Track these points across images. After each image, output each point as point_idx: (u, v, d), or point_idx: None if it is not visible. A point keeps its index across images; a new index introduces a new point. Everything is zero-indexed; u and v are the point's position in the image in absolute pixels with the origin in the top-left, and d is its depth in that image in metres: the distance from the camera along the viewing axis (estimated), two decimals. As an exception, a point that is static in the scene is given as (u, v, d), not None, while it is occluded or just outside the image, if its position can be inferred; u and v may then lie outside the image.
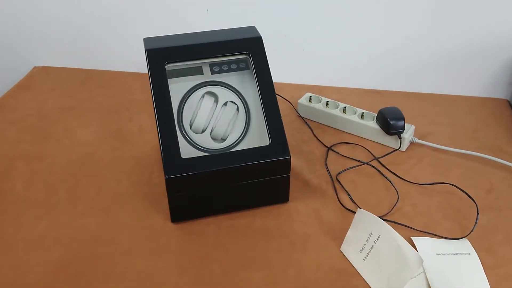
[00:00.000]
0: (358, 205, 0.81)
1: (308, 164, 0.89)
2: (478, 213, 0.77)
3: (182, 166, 0.73)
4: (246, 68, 0.82)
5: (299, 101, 1.01)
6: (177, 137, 0.74)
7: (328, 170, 0.88)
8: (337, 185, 0.85)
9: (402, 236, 0.72)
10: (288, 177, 0.78)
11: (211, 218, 0.78)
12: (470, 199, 0.80)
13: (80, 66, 1.18)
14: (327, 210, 0.80)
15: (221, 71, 0.82)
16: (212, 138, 0.78)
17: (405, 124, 0.91)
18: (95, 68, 1.18)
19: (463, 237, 0.75)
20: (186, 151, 0.75)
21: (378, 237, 0.69)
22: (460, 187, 0.82)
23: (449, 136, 0.96)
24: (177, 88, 0.79)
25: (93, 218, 0.78)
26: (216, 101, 0.80)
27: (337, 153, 0.92)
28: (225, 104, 0.80)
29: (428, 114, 1.02)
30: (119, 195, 0.82)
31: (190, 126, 0.78)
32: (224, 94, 0.80)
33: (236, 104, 0.80)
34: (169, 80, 0.78)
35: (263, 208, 0.80)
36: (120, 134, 0.97)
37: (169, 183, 0.73)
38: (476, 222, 0.76)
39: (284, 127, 0.91)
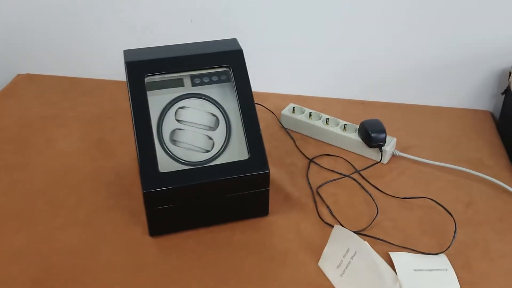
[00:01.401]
0: (338, 219, 0.81)
1: (289, 176, 0.90)
2: (456, 229, 0.77)
3: (160, 180, 0.73)
4: (228, 80, 0.82)
5: (282, 112, 1.01)
6: (155, 150, 0.74)
7: (309, 182, 0.88)
8: (317, 198, 0.85)
9: (380, 251, 0.73)
10: (268, 191, 0.78)
11: (191, 232, 0.78)
12: (449, 214, 0.80)
13: (65, 73, 1.17)
14: (306, 224, 0.80)
15: (202, 83, 0.82)
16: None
17: (387, 136, 0.92)
18: (79, 76, 1.17)
19: (441, 253, 0.75)
20: (165, 164, 0.75)
21: (355, 253, 0.69)
22: (438, 202, 0.82)
23: (431, 148, 0.96)
24: (157, 100, 0.79)
25: (72, 230, 0.78)
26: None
27: (319, 165, 0.92)
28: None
29: (411, 126, 1.02)
30: (99, 207, 0.82)
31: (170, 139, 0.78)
32: (204, 106, 0.80)
33: (215, 116, 0.80)
34: (149, 93, 0.78)
35: (243, 222, 0.80)
36: (102, 144, 0.96)
37: (147, 197, 0.73)
38: (453, 238, 0.76)
39: (267, 138, 0.92)
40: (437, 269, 0.72)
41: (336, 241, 0.71)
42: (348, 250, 0.70)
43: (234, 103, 0.81)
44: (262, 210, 0.81)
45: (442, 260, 0.74)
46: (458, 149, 0.96)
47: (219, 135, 0.79)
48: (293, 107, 1.01)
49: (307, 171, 0.91)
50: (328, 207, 0.83)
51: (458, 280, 0.71)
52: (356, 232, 0.78)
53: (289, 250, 0.76)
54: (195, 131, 0.79)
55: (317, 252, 0.75)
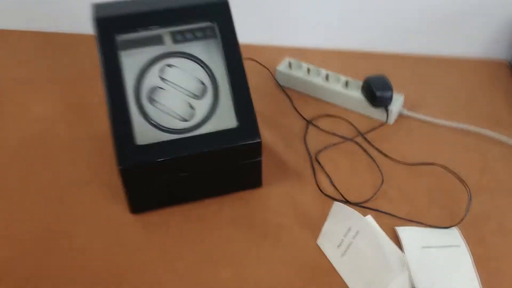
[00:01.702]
0: (339, 189, 0.73)
1: (285, 141, 0.81)
2: (470, 199, 0.70)
3: (138, 153, 0.65)
4: (214, 36, 0.72)
5: (278, 68, 0.91)
6: (130, 120, 0.66)
7: (307, 148, 0.80)
8: (316, 165, 0.77)
9: (386, 226, 0.66)
10: (260, 162, 0.71)
11: (176, 208, 0.71)
12: (462, 183, 0.72)
13: (38, 28, 1.07)
14: (304, 196, 0.73)
15: (184, 40, 0.72)
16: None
17: (393, 94, 0.82)
18: (55, 31, 1.07)
19: (453, 226, 0.68)
20: (145, 132, 0.67)
21: (357, 233, 0.62)
22: (450, 169, 0.74)
23: (442, 105, 0.87)
24: (133, 60, 0.70)
25: (45, 209, 0.71)
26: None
27: (318, 127, 0.83)
28: None
29: (419, 80, 0.93)
30: (75, 181, 0.74)
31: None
32: (188, 66, 0.71)
33: (203, 84, 0.71)
34: (123, 53, 0.69)
35: (234, 195, 0.72)
36: (80, 108, 0.87)
37: (124, 173, 0.65)
38: (467, 210, 0.69)
39: (260, 97, 0.83)
40: (449, 246, 0.65)
41: (336, 218, 0.64)
42: (349, 229, 0.63)
43: (221, 62, 0.71)
44: (255, 181, 0.73)
45: (453, 235, 0.66)
46: (473, 105, 0.87)
47: (203, 105, 0.70)
48: (290, 62, 0.91)
49: (305, 135, 0.82)
50: (328, 175, 0.75)
51: (472, 257, 0.64)
52: (359, 204, 0.70)
53: (284, 226, 0.69)
54: (177, 94, 0.70)
55: (316, 228, 0.67)
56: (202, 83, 0.70)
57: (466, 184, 0.72)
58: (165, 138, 0.67)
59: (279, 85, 0.92)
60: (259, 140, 0.67)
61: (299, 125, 0.84)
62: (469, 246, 0.65)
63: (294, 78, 0.90)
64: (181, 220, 0.69)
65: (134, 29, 0.69)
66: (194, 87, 0.70)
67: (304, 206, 0.71)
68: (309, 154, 0.79)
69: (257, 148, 0.68)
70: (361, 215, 0.63)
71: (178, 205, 0.71)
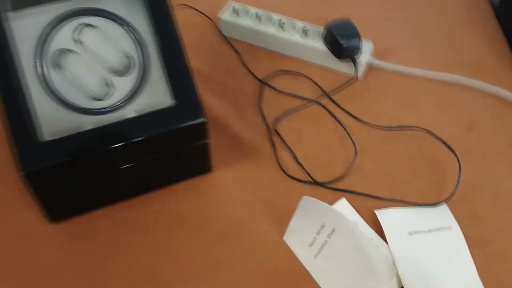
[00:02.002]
0: (304, 167, 0.61)
1: (236, 108, 0.67)
2: (460, 168, 0.59)
3: (45, 152, 0.49)
4: (133, -17, 0.56)
5: (220, 16, 0.75)
6: (29, 107, 0.50)
7: (263, 116, 0.66)
8: (275, 138, 0.64)
9: (365, 209, 0.55)
10: (207, 144, 0.57)
11: (107, 210, 0.57)
12: (449, 148, 0.61)
13: None
14: (264, 179, 0.60)
15: (96, -8, 0.55)
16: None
17: (361, 42, 0.69)
18: None
19: (441, 203, 0.57)
20: (49, 113, 0.51)
21: (333, 231, 0.50)
22: (433, 132, 0.63)
23: (416, 50, 0.74)
24: (28, 25, 0.53)
25: None
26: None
27: (274, 88, 0.69)
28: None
29: (388, 21, 0.79)
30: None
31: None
32: (105, 27, 0.55)
33: (127, 58, 0.55)
34: (13, 15, 0.52)
35: (178, 186, 0.59)
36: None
37: (29, 180, 0.50)
38: (458, 182, 0.58)
39: (202, 53, 0.68)
40: (438, 228, 0.55)
41: (306, 214, 0.52)
42: (323, 226, 0.51)
43: (146, 21, 0.55)
44: (203, 167, 0.60)
45: (443, 214, 0.56)
46: (451, 48, 0.75)
47: (125, 83, 0.54)
48: (235, 7, 0.75)
49: (260, 99, 0.68)
50: (291, 150, 0.62)
51: (466, 240, 0.54)
52: (328, 186, 0.59)
53: (243, 220, 0.56)
54: (93, 65, 0.54)
55: (282, 220, 0.55)
56: (127, 57, 0.55)
57: (452, 148, 0.61)
58: (75, 120, 0.52)
59: (224, 36, 0.76)
60: (203, 120, 0.53)
61: (252, 86, 0.70)
62: (461, 226, 0.55)
63: (241, 28, 0.74)
64: (114, 226, 0.56)
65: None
66: (116, 60, 0.55)
67: (265, 192, 0.59)
68: (266, 124, 0.65)
69: (202, 129, 0.54)
70: (338, 211, 0.51)
71: (110, 206, 0.57)
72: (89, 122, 0.53)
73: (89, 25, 0.54)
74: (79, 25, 0.54)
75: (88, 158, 0.51)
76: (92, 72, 0.54)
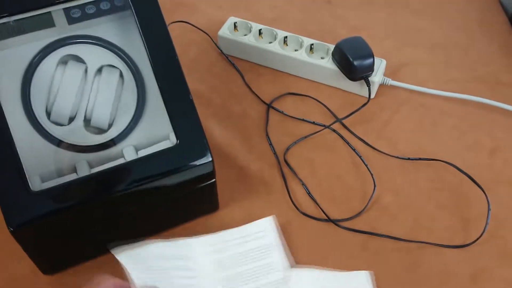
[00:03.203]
0: (319, 201, 0.56)
1: (241, 136, 0.62)
2: (489, 207, 0.54)
3: (35, 204, 0.44)
4: (127, 7, 0.50)
5: (220, 33, 0.69)
6: (17, 152, 0.44)
7: (271, 144, 0.61)
8: (285, 170, 0.59)
9: (384, 250, 0.50)
10: (213, 183, 0.51)
11: (106, 257, 0.51)
12: (474, 182, 0.56)
13: None
14: (277, 217, 0.55)
15: (85, 17, 0.50)
16: (88, 129, 0.50)
17: (375, 62, 0.64)
18: None
19: (471, 243, 0.53)
20: (42, 156, 0.47)
21: None
22: (456, 165, 0.57)
23: (429, 64, 0.69)
24: (12, 56, 0.48)
25: None
26: (86, 68, 0.50)
27: (282, 112, 0.64)
28: (100, 70, 0.50)
29: (398, 34, 0.74)
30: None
31: (49, 116, 0.49)
32: (96, 55, 0.50)
33: (118, 69, 0.51)
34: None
35: (183, 227, 0.54)
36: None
37: (19, 236, 0.44)
38: (487, 223, 0.53)
39: (201, 73, 0.63)
40: None
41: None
42: None
43: (142, 46, 0.50)
44: (209, 206, 0.54)
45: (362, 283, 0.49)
46: (465, 62, 0.70)
47: (126, 100, 0.50)
48: (235, 23, 0.70)
49: (266, 124, 0.63)
50: (303, 183, 0.57)
51: (501, 279, 0.50)
52: (345, 224, 0.54)
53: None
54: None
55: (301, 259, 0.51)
56: (114, 67, 0.50)
57: (477, 183, 0.56)
58: (68, 160, 0.47)
59: (224, 55, 0.70)
60: (210, 159, 0.48)
61: (257, 110, 0.65)
62: (486, 262, 0.51)
63: (242, 45, 0.69)
64: (115, 274, 0.50)
65: (11, 9, 0.47)
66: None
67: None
68: (274, 153, 0.60)
69: (209, 169, 0.49)
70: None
71: (108, 254, 0.52)
72: (84, 160, 0.48)
73: (73, 55, 0.49)
74: (63, 56, 0.49)
75: (84, 208, 0.45)
76: (103, 99, 0.49)
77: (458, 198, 0.56)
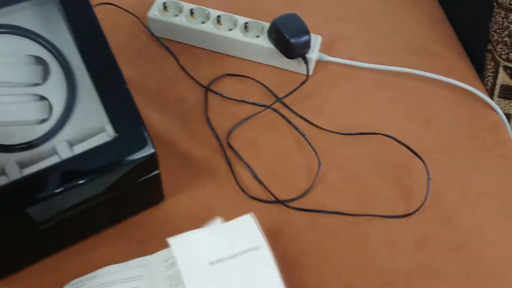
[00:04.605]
0: (265, 183, 0.56)
1: (180, 121, 0.60)
2: (429, 177, 0.56)
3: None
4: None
5: (149, 14, 0.66)
6: None
7: (212, 128, 0.60)
8: (229, 153, 0.58)
9: (335, 227, 0.51)
10: (158, 175, 0.49)
11: (48, 260, 0.48)
12: (413, 152, 0.58)
13: None
14: (223, 203, 0.54)
15: (0, 4, 0.46)
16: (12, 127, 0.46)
17: (311, 38, 0.63)
18: None
19: (414, 212, 0.54)
20: None
21: None
22: (395, 137, 0.59)
23: (362, 37, 0.70)
24: None
25: None
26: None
27: (221, 95, 0.63)
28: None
29: (330, 8, 0.74)
30: None
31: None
32: (16, 46, 0.46)
33: (39, 61, 0.47)
34: None
35: (128, 222, 0.52)
36: None
37: None
38: (428, 191, 0.55)
39: (133, 58, 0.61)
40: (245, 251, 0.47)
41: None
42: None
43: (68, 33, 0.47)
44: (154, 198, 0.52)
45: (249, 230, 0.48)
46: (397, 34, 0.71)
47: (54, 89, 0.47)
48: (164, 3, 0.67)
49: (206, 108, 0.61)
50: (248, 166, 0.57)
51: (443, 243, 0.52)
52: (293, 204, 0.54)
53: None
54: (8, 90, 0.46)
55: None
56: (37, 60, 0.46)
57: (417, 153, 0.57)
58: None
59: (155, 36, 0.67)
60: (152, 151, 0.46)
61: (194, 94, 0.63)
62: (433, 228, 0.53)
63: (173, 26, 0.66)
64: (59, 278, 0.48)
65: None
66: (29, 71, 0.46)
67: (226, 218, 0.53)
68: (217, 137, 0.59)
69: (152, 161, 0.47)
70: None
71: (51, 256, 0.49)
72: (13, 161, 0.44)
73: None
74: None
75: (21, 213, 0.42)
76: (12, 100, 0.45)
77: (399, 169, 0.58)
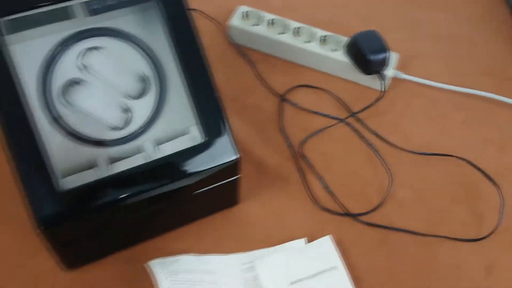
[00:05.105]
0: (336, 195, 0.57)
1: (257, 129, 0.62)
2: (503, 201, 0.56)
3: (62, 204, 0.43)
4: (148, -3, 0.49)
5: (229, 22, 0.69)
6: (41, 152, 0.43)
7: (286, 138, 0.61)
8: (302, 163, 0.59)
9: (401, 245, 0.51)
10: (238, 179, 0.52)
11: (127, 252, 0.51)
12: (487, 177, 0.58)
13: None
14: (293, 212, 0.55)
15: (105, 9, 0.49)
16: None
17: (389, 56, 0.64)
18: None
19: (485, 237, 0.54)
20: (65, 154, 0.45)
21: None
22: (470, 161, 0.59)
23: (438, 56, 0.70)
24: (30, 49, 0.46)
25: None
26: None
27: (296, 105, 0.64)
28: None
29: (407, 26, 0.74)
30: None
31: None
32: (117, 48, 0.49)
33: (143, 79, 0.49)
34: (12, 38, 0.45)
35: (201, 222, 0.54)
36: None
37: (47, 235, 0.44)
38: (501, 217, 0.55)
39: (215, 64, 0.62)
40: (323, 271, 0.51)
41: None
42: None
43: (166, 41, 0.49)
44: (230, 200, 0.55)
45: (326, 252, 0.51)
46: (474, 55, 0.71)
47: (142, 108, 0.49)
48: (246, 12, 0.69)
49: (280, 118, 0.63)
50: (320, 178, 0.58)
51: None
52: (363, 219, 0.55)
53: (276, 259, 0.52)
54: (106, 90, 0.48)
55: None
56: (142, 79, 0.49)
57: (492, 178, 0.57)
58: (88, 155, 0.46)
59: (234, 44, 0.70)
60: (237, 156, 0.48)
61: (270, 102, 0.64)
62: (499, 258, 0.53)
63: (252, 35, 0.68)
64: (136, 268, 0.50)
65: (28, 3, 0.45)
66: (129, 83, 0.49)
67: (296, 227, 0.54)
68: (291, 147, 0.60)
69: (235, 166, 0.49)
70: None
71: (131, 248, 0.51)
72: (104, 155, 0.47)
73: (93, 47, 0.48)
74: (82, 49, 0.48)
75: (111, 207, 0.45)
76: (104, 100, 0.48)
77: (471, 192, 0.58)
